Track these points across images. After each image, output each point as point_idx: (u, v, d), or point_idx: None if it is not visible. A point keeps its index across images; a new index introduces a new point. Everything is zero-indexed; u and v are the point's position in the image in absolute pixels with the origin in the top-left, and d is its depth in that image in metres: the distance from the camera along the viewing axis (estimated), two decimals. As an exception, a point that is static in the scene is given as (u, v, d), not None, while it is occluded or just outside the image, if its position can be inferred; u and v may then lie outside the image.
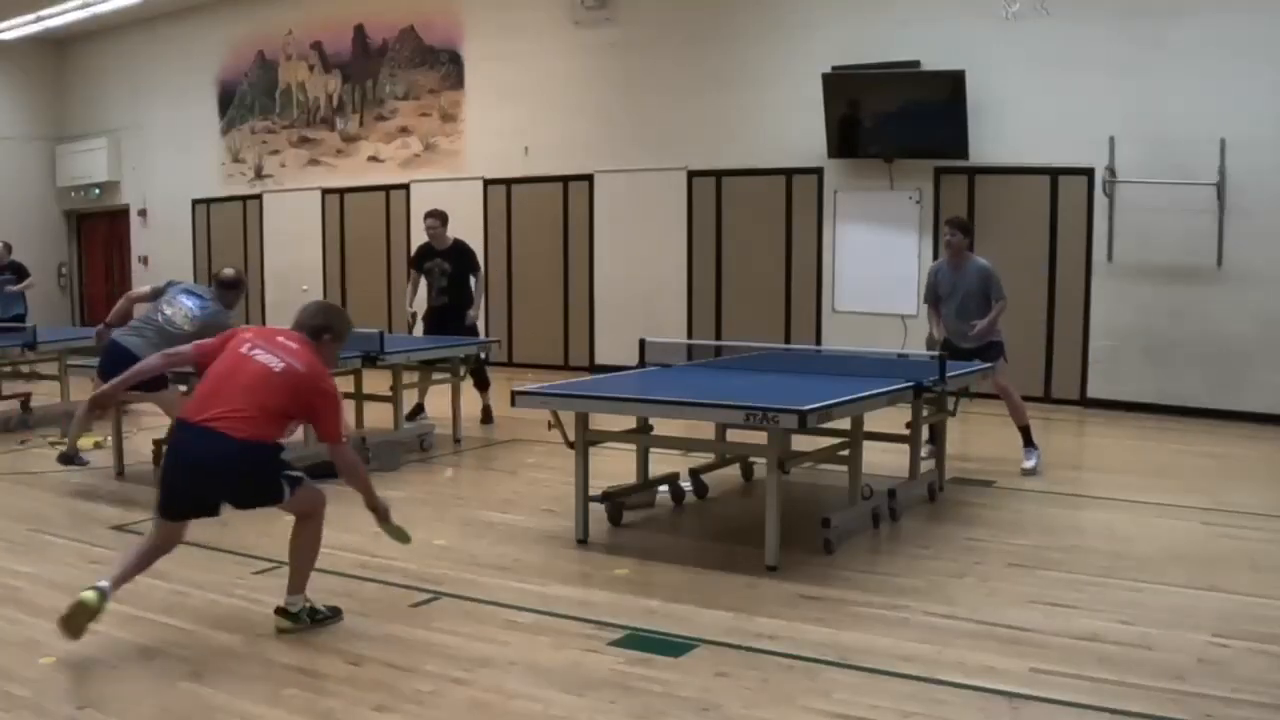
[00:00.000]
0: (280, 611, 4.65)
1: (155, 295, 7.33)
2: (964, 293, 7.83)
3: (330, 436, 4.62)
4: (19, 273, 13.17)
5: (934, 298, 8.05)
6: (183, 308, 7.11)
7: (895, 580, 5.33)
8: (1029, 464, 7.71)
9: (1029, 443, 7.82)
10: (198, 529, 6.30)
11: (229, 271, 7.59)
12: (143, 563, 4.57)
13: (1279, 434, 9.25)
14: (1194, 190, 9.85)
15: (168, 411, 7.15)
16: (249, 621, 4.74)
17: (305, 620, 4.64)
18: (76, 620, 4.24)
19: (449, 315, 9.66)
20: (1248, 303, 9.80)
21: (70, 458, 7.67)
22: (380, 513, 4.82)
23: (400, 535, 4.90)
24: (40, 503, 7.05)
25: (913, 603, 4.95)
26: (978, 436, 9.19)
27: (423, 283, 9.80)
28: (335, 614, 4.75)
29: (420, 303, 9.93)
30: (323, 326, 4.79)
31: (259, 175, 16.32)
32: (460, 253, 9.69)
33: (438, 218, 9.72)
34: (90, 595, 4.27)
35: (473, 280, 9.75)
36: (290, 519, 6.53)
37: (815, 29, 11.64)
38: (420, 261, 9.82)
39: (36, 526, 6.44)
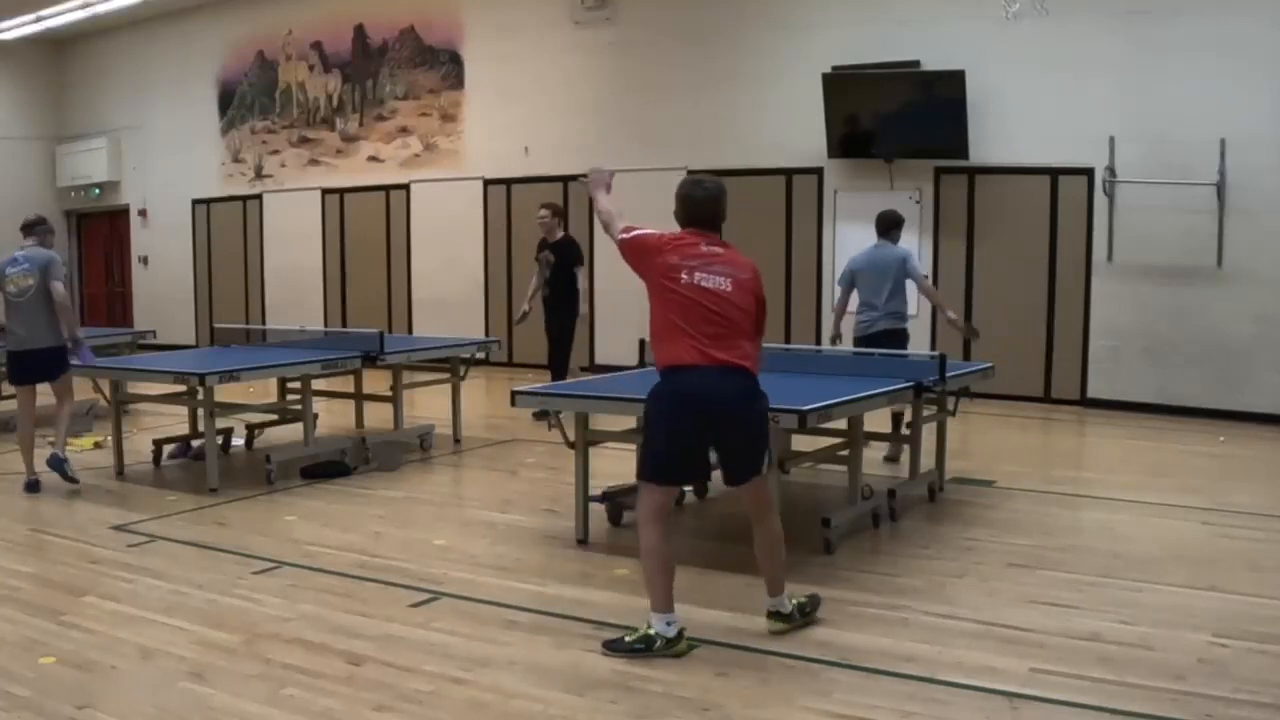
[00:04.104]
0: (773, 615, 4.55)
1: None
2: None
3: (763, 328, 4.56)
4: None
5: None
6: (14, 276, 7.22)
7: (895, 580, 5.33)
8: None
9: None
10: (197, 530, 6.33)
11: (31, 217, 7.66)
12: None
13: (1279, 434, 9.25)
14: (1194, 190, 9.85)
15: (60, 396, 7.36)
16: (249, 621, 4.74)
17: (798, 617, 4.57)
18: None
19: (551, 307, 9.85)
20: (1248, 303, 9.79)
21: (60, 461, 7.24)
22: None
23: None
24: (40, 503, 7.05)
25: (913, 603, 4.95)
26: (978, 436, 9.19)
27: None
28: (815, 602, 4.69)
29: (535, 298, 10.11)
30: (722, 212, 4.63)
31: (259, 175, 16.32)
32: (565, 246, 9.82)
33: (549, 209, 9.94)
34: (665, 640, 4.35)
35: (577, 274, 9.81)
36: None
37: (815, 29, 11.64)
38: (537, 253, 10.00)
39: (36, 526, 6.44)
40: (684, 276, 4.41)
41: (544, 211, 9.95)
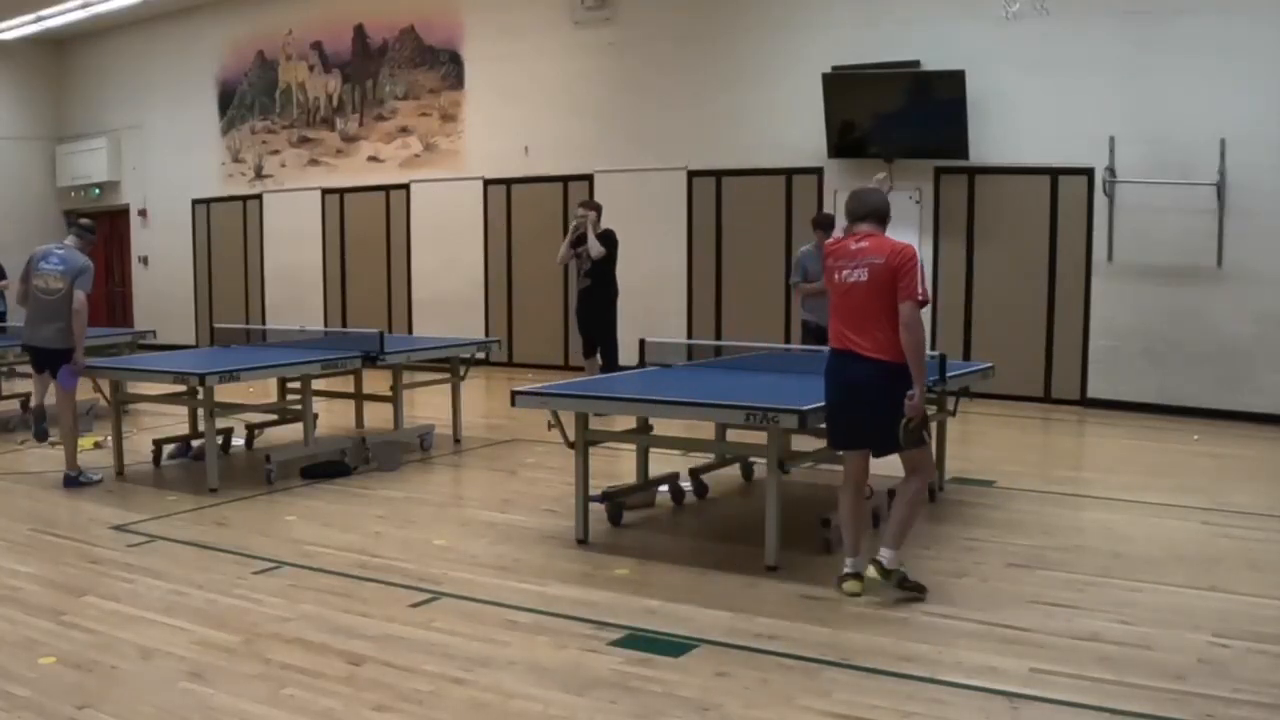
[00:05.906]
0: (875, 563, 4.97)
1: (26, 278, 7.65)
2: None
3: (908, 294, 4.85)
4: None
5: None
6: (46, 273, 7.46)
7: (895, 580, 5.33)
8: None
9: None
10: (197, 530, 6.33)
11: (86, 220, 8.18)
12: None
13: (1279, 434, 9.25)
14: (1194, 190, 9.85)
15: (63, 405, 7.46)
16: (249, 621, 4.74)
17: (892, 581, 4.95)
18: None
19: (592, 298, 10.12)
20: (1248, 303, 9.79)
21: (74, 479, 7.41)
22: (917, 406, 4.94)
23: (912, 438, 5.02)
24: (40, 503, 7.05)
25: (913, 602, 4.95)
26: (978, 436, 9.19)
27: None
28: (921, 590, 4.97)
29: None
30: (883, 208, 5.13)
31: (259, 175, 16.32)
32: (605, 238, 10.07)
33: (588, 207, 10.27)
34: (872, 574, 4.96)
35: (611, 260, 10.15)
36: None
37: (815, 29, 11.64)
38: (575, 245, 10.20)
39: (36, 526, 6.44)
40: (836, 276, 5.07)
41: (581, 210, 10.26)
